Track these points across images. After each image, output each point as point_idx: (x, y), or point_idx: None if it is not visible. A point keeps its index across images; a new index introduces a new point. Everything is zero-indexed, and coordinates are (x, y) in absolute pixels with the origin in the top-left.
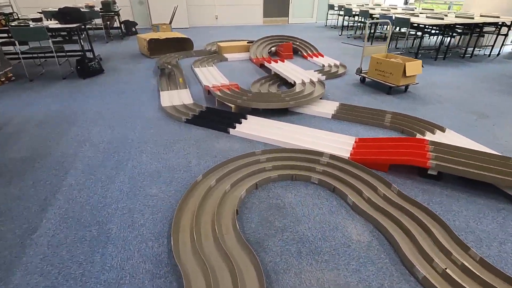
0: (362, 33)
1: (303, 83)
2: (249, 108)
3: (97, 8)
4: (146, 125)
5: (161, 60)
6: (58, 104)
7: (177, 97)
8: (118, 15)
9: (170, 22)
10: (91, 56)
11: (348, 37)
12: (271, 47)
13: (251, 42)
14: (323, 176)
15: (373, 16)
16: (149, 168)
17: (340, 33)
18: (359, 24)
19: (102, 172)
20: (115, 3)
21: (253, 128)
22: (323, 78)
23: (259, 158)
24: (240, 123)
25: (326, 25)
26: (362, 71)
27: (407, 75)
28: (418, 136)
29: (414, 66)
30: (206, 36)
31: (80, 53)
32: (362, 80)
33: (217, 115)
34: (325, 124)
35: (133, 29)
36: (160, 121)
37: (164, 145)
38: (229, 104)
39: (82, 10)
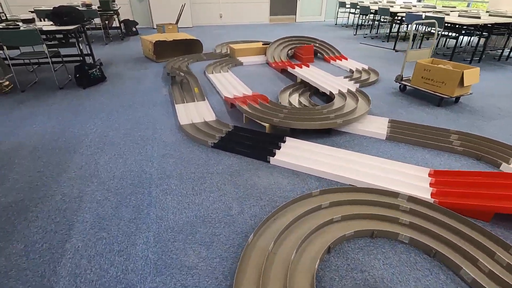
0: (377, 32)
1: (341, 94)
2: (287, 129)
3: (94, 7)
4: (165, 152)
5: (169, 64)
6: (55, 123)
7: (195, 112)
8: (117, 14)
9: (177, 22)
10: (91, 62)
11: (364, 37)
12: (289, 50)
13: (267, 43)
14: (414, 232)
15: (395, 14)
16: (179, 220)
17: (355, 33)
18: (376, 22)
19: (117, 227)
20: (114, 1)
21: (298, 155)
22: (354, 85)
23: (320, 203)
24: (279, 147)
25: (336, 24)
26: (403, 79)
27: (465, 84)
28: (504, 165)
29: (472, 75)
30: (212, 36)
31: (78, 58)
32: (402, 88)
33: (248, 138)
34: (380, 148)
35: (133, 29)
36: (181, 146)
37: (192, 181)
38: (263, 124)
39: (79, 9)
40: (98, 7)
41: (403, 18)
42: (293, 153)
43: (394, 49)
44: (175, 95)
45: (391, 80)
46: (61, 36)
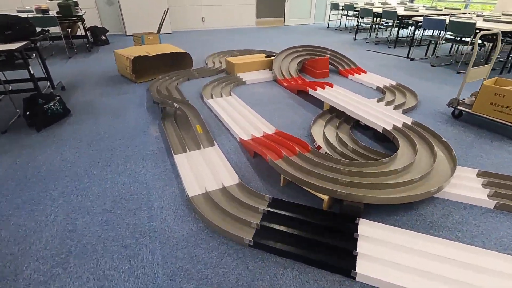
0: (377, 36)
1: (400, 133)
2: (360, 207)
3: (53, 12)
4: (176, 266)
5: (153, 86)
6: None
7: (207, 169)
8: (82, 20)
9: (158, 31)
10: (49, 85)
11: (366, 42)
12: (299, 62)
13: (270, 56)
14: None
15: (402, 17)
16: None
17: (354, 37)
18: (375, 26)
19: None
20: (77, 5)
21: (395, 259)
22: (399, 112)
23: None
24: (355, 241)
25: (328, 27)
26: (460, 103)
27: None
28: None
29: None
30: (197, 43)
31: (30, 82)
32: (457, 114)
33: (301, 222)
34: (500, 230)
35: (103, 37)
36: (200, 248)
37: None
38: (320, 195)
39: (29, 17)
40: (57, 13)
41: (419, 23)
42: (385, 256)
43: (408, 57)
44: (171, 137)
45: (429, 100)
46: (3, 57)
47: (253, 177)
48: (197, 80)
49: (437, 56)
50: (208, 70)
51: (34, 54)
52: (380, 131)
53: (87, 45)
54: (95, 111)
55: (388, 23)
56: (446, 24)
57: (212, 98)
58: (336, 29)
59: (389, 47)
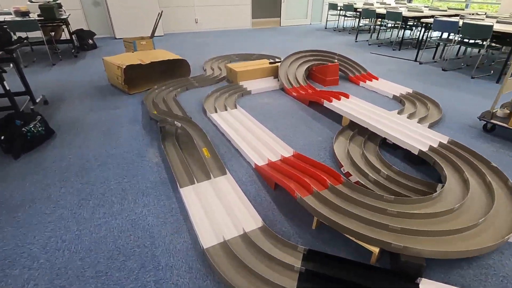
0: (378, 38)
1: (440, 154)
2: (422, 265)
3: (34, 15)
4: None
5: (148, 98)
6: None
7: (221, 209)
8: (67, 23)
9: (152, 36)
10: (29, 106)
11: (369, 44)
12: (306, 69)
13: (274, 62)
14: None
15: (407, 19)
16: None
17: (355, 39)
18: (376, 27)
19: None
20: (60, 7)
21: None
22: (425, 127)
23: None
24: None
25: (326, 28)
26: (494, 116)
27: None
28: None
29: None
30: (191, 46)
31: (5, 98)
32: (490, 128)
33: (346, 283)
34: None
35: (90, 41)
36: None
37: None
38: (367, 247)
39: (7, 21)
40: (39, 16)
41: (430, 25)
42: None
43: (416, 60)
44: (174, 164)
45: (452, 111)
46: None
47: (277, 216)
48: (196, 90)
49: (445, 59)
50: (207, 79)
51: (11, 65)
52: (416, 153)
53: (73, 50)
54: (83, 130)
55: (391, 24)
56: (459, 26)
57: (216, 112)
58: (334, 30)
59: (393, 49)
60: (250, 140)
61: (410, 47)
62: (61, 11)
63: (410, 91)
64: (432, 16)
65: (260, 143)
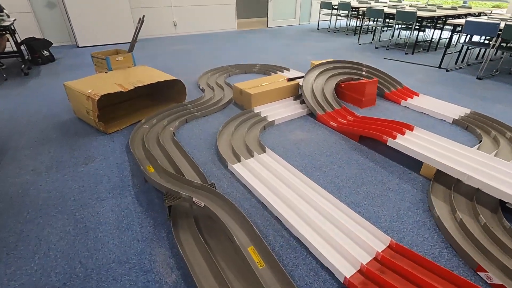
0: (380, 39)
1: None
2: None
3: None
4: None
5: (136, 140)
6: None
7: None
8: (13, 32)
9: (131, 49)
10: None
11: (376, 48)
12: (336, 87)
13: (293, 78)
14: None
15: (422, 19)
16: None
17: (358, 41)
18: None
19: None
20: (1, 10)
21: None
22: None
23: None
24: None
25: (319, 28)
26: None
27: None
28: None
29: None
30: (173, 56)
31: None
32: None
33: None
34: None
35: (45, 52)
36: None
37: None
38: None
39: None
40: None
41: (458, 28)
42: None
43: (440, 67)
44: (203, 282)
45: None
46: None
47: None
48: (199, 121)
49: (468, 64)
50: (209, 104)
51: None
52: None
53: (23, 66)
54: (37, 212)
55: (399, 25)
56: (500, 29)
57: (240, 161)
58: (328, 31)
59: (405, 53)
60: (314, 220)
61: (421, 50)
62: (2, 15)
63: (468, 111)
64: (458, 16)
65: (330, 223)
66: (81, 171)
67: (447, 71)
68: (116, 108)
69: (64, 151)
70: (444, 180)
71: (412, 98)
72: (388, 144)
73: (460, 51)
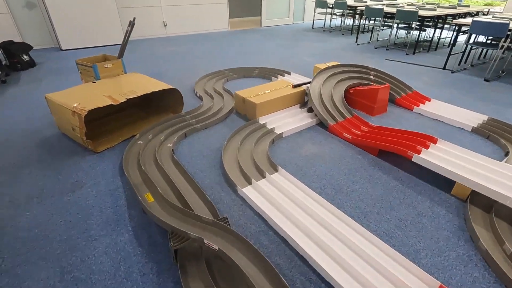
0: (378, 39)
1: None
2: None
3: None
4: None
5: (129, 160)
6: None
7: None
8: None
9: (121, 55)
10: None
11: (375, 48)
12: (345, 93)
13: (298, 85)
14: None
15: (423, 19)
16: None
17: (356, 41)
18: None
19: None
20: None
21: None
22: None
23: None
24: None
25: (313, 28)
26: None
27: None
28: None
29: None
30: (165, 58)
31: None
32: None
33: None
34: None
35: (25, 57)
36: None
37: None
38: None
39: None
40: None
41: (463, 28)
42: None
43: (445, 68)
44: None
45: None
46: None
47: None
48: (199, 134)
49: (472, 65)
50: (209, 114)
51: None
52: None
53: (0, 73)
54: (15, 259)
55: (396, 25)
56: (510, 30)
57: (251, 184)
58: (324, 31)
59: (406, 54)
60: (345, 259)
61: (421, 50)
62: None
63: (485, 118)
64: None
65: (363, 261)
66: (68, 201)
67: (452, 72)
68: (106, 121)
69: (48, 175)
70: (481, 201)
71: (424, 103)
72: (413, 160)
73: (463, 52)
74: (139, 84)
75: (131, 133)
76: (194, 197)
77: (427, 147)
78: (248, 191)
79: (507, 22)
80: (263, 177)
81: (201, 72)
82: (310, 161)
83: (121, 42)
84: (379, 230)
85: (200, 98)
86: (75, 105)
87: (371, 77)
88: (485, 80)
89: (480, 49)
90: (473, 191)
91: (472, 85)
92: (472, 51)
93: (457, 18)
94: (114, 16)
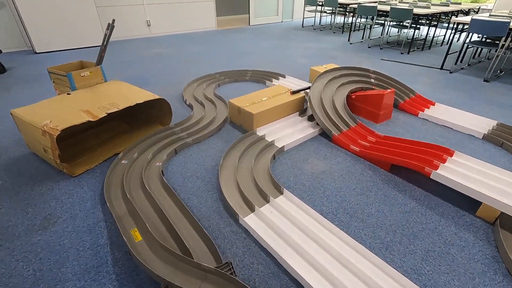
0: (370, 37)
1: None
2: None
3: None
4: None
5: (112, 186)
6: None
7: None
8: None
9: (100, 61)
10: None
11: (369, 47)
12: (347, 99)
13: (298, 91)
14: None
15: (418, 17)
16: None
17: (348, 40)
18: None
19: None
20: None
21: None
22: None
23: None
24: None
25: (303, 26)
26: None
27: None
28: None
29: None
30: (150, 62)
31: None
32: None
33: None
34: None
35: None
36: None
37: None
38: None
39: None
40: None
41: (461, 26)
42: None
43: (442, 68)
44: None
45: None
46: None
47: None
48: (192, 150)
49: (469, 64)
50: (201, 126)
51: None
52: None
53: None
54: None
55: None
56: (510, 28)
57: (253, 211)
58: (314, 29)
59: (401, 53)
60: None
61: (416, 48)
62: None
63: (495, 123)
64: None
65: None
66: (38, 242)
67: (450, 72)
68: (83, 138)
69: (14, 208)
70: (505, 222)
71: (428, 108)
72: (432, 177)
73: (460, 51)
74: (121, 94)
75: (113, 151)
76: (189, 232)
77: (443, 160)
78: (252, 221)
79: (508, 20)
80: (267, 201)
81: (190, 77)
82: (317, 179)
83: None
84: (405, 266)
85: (190, 106)
86: (46, 122)
87: (372, 80)
88: (484, 80)
89: (475, 48)
90: (502, 213)
91: (473, 87)
92: (467, 50)
93: (450, 16)
94: (92, 15)
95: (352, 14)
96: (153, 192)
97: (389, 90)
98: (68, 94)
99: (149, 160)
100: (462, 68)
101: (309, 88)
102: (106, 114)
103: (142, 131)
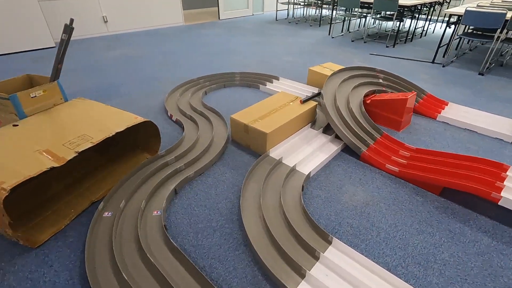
0: (348, 30)
1: None
2: None
3: None
4: None
5: (95, 255)
6: None
7: None
8: None
9: (56, 76)
10: None
11: (352, 41)
12: (363, 105)
13: (309, 99)
14: None
15: (403, 8)
16: None
17: (330, 34)
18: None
19: None
20: None
21: None
22: None
23: None
24: None
25: (277, 19)
26: None
27: None
28: None
29: None
30: (114, 64)
31: None
32: None
33: None
34: None
35: None
36: None
37: None
38: None
39: None
40: None
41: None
42: None
43: (434, 61)
44: None
45: None
46: None
47: None
48: (197, 187)
49: (456, 57)
50: (201, 153)
51: None
52: None
53: None
54: None
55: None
56: (506, 20)
57: (303, 278)
58: (289, 22)
59: (387, 46)
60: None
61: (399, 41)
62: None
63: None
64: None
65: None
66: None
67: (443, 66)
68: (42, 184)
69: None
70: None
71: (443, 109)
72: (501, 204)
73: (448, 43)
74: (92, 120)
75: (89, 198)
76: None
77: (502, 179)
78: None
79: (504, 12)
80: (316, 258)
81: (168, 83)
82: (364, 215)
83: (52, 45)
84: None
85: (178, 123)
86: None
87: (381, 80)
88: (479, 74)
89: (458, 40)
90: None
91: (471, 81)
92: (454, 42)
93: (430, 7)
94: (35, 12)
95: (332, 6)
96: (157, 261)
97: (411, 94)
98: (14, 125)
99: (143, 209)
100: (452, 61)
101: (319, 94)
102: (76, 154)
103: (124, 164)
